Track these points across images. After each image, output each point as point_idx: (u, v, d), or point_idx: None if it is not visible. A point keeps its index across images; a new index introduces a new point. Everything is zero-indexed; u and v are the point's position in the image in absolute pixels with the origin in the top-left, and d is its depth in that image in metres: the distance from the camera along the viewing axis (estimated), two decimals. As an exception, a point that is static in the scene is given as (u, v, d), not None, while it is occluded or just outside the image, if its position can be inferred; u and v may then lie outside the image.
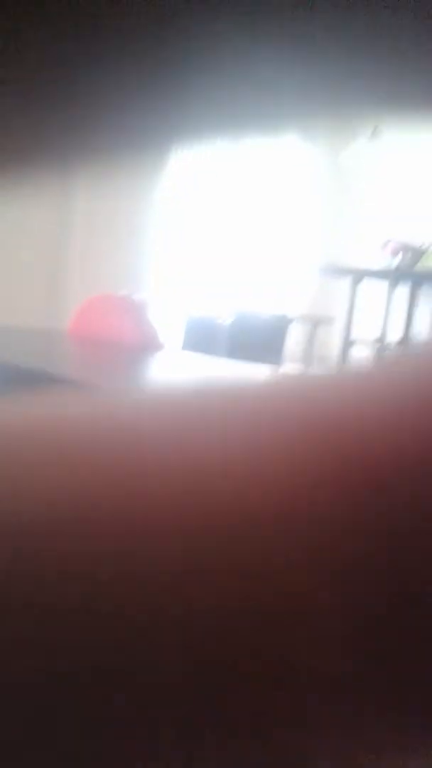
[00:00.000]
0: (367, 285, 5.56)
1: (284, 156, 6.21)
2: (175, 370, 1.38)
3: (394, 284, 4.44)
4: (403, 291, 4.81)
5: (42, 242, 4.25)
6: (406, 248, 4.53)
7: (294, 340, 6.28)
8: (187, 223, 5.67)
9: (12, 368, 1.20)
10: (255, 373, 0.08)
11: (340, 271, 4.68)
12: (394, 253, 4.52)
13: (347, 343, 4.68)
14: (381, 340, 4.59)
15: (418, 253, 4.59)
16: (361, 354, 5.41)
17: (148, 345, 2.08)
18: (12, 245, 4.10)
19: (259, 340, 4.28)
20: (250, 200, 6.10)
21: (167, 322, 5.38)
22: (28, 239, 4.21)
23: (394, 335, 4.95)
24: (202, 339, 4.40)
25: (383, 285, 5.13)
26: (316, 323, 4.44)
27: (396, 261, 4.51)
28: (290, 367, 5.32)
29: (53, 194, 4.27)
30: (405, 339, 4.49)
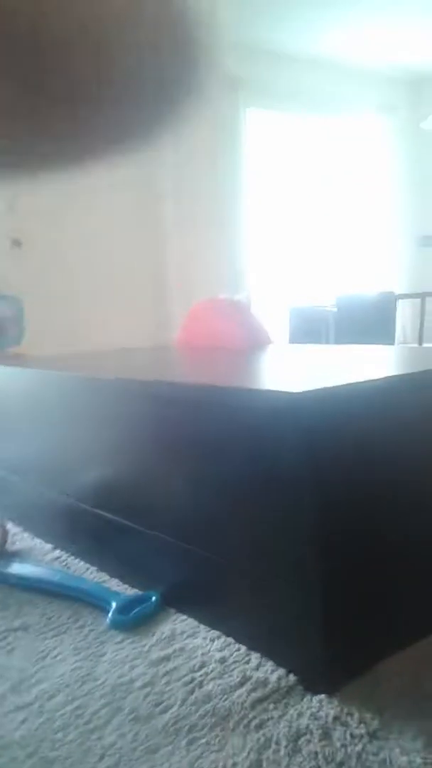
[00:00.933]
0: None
1: (366, 131, 6.11)
2: (292, 360, 1.44)
3: None
4: None
5: (142, 261, 4.42)
6: None
7: (403, 316, 6.16)
8: (276, 213, 5.68)
9: (135, 383, 1.30)
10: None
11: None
12: None
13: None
14: None
15: None
16: None
17: (258, 343, 2.14)
18: (111, 271, 4.29)
19: (367, 321, 4.24)
20: (336, 181, 6.03)
21: (272, 318, 5.43)
22: (130, 263, 4.38)
23: None
24: (310, 329, 4.42)
25: None
26: (423, 297, 4.35)
27: None
28: (401, 344, 5.23)
29: (140, 208, 4.42)
30: None
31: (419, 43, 5.56)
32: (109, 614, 1.19)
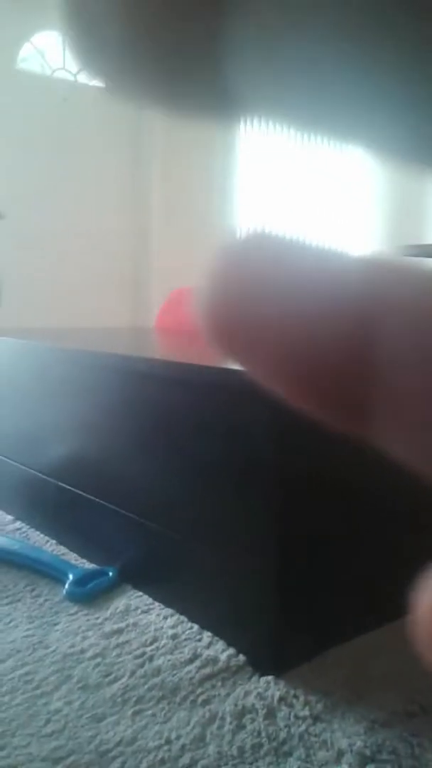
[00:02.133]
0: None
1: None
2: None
3: None
4: None
5: (121, 242, 4.40)
6: None
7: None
8: (265, 208, 5.69)
9: (103, 357, 1.29)
10: None
11: (419, 252, 4.60)
12: None
13: None
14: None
15: None
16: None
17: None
18: (94, 252, 4.27)
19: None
20: (317, 185, 6.06)
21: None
22: (108, 242, 4.36)
23: None
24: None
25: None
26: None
27: None
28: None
29: (127, 192, 4.40)
30: None
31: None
32: (66, 586, 1.19)
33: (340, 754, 0.80)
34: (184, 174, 4.46)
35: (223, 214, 5.13)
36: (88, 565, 1.30)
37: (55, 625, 1.08)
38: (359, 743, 0.82)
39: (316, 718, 0.87)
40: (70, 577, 1.21)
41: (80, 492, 1.34)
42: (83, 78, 4.10)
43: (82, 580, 1.20)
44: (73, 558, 1.34)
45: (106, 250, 4.34)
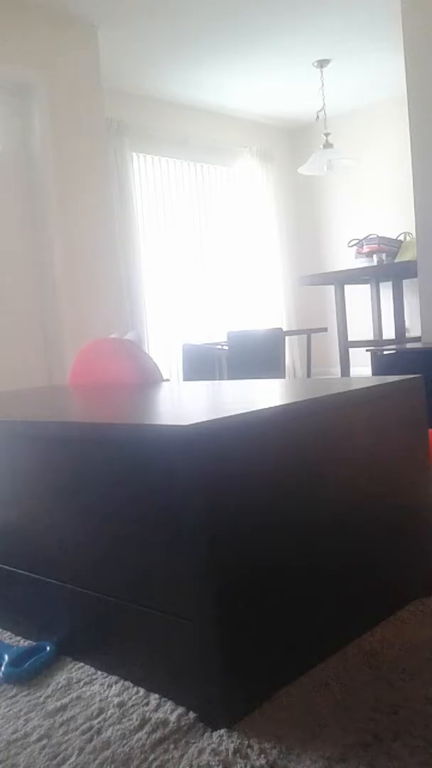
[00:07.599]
0: (353, 288, 5.64)
1: (249, 177, 6.32)
2: (182, 396, 1.45)
3: (376, 283, 4.51)
4: (387, 287, 4.88)
5: (31, 305, 4.35)
6: (380, 246, 4.60)
7: (291, 351, 6.35)
8: (168, 255, 5.76)
9: (20, 424, 1.27)
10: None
11: (322, 279, 4.76)
12: (370, 254, 4.59)
13: (345, 347, 4.73)
14: (376, 339, 4.64)
15: (394, 247, 4.66)
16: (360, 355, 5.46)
17: (148, 380, 2.15)
18: (5, 316, 4.21)
19: (258, 357, 4.34)
20: (222, 223, 6.19)
21: (167, 355, 5.46)
22: (19, 307, 4.31)
23: (388, 332, 5.02)
24: (203, 365, 4.47)
25: (366, 286, 5.21)
26: (309, 333, 4.51)
27: (374, 260, 4.58)
28: (292, 377, 5.38)
29: (30, 258, 4.37)
30: (398, 334, 4.55)
31: (294, 94, 5.85)
32: (2, 668, 1.14)
33: (300, 799, 0.79)
34: (84, 228, 4.47)
35: (127, 262, 5.15)
36: (24, 643, 1.25)
37: (-5, 712, 1.03)
38: (318, 784, 0.81)
39: (272, 766, 0.86)
40: (6, 657, 1.16)
41: (7, 567, 1.30)
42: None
43: (19, 659, 1.16)
44: (6, 637, 1.29)
45: (11, 312, 4.28)
